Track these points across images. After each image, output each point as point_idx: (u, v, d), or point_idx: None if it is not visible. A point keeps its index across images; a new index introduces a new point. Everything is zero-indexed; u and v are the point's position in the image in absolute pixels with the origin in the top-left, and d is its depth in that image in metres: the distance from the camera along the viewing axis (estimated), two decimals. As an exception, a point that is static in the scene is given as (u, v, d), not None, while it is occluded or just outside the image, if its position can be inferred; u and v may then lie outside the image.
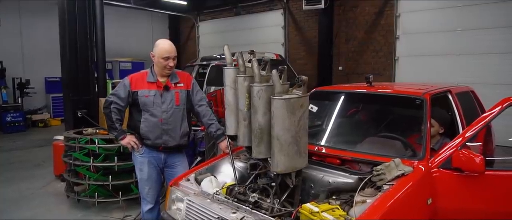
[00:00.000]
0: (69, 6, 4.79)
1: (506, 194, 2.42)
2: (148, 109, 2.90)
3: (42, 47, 11.03)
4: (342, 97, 3.43)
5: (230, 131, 2.67)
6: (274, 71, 2.29)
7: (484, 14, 7.20)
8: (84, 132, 4.36)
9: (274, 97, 2.22)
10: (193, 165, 4.30)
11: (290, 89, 2.38)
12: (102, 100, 5.06)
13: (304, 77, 2.31)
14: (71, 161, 4.15)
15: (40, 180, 5.35)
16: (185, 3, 12.25)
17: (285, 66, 2.43)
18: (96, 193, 4.13)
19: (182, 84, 3.04)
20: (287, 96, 2.24)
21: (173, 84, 2.98)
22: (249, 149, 2.58)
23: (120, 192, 4.12)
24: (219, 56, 9.08)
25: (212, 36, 13.27)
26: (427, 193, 2.33)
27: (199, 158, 4.33)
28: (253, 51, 2.65)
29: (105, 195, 4.19)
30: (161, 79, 2.97)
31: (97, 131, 4.45)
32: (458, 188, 2.39)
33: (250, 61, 2.65)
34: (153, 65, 3.00)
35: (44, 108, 11.03)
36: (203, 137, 4.30)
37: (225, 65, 2.67)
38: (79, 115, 4.95)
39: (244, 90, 2.47)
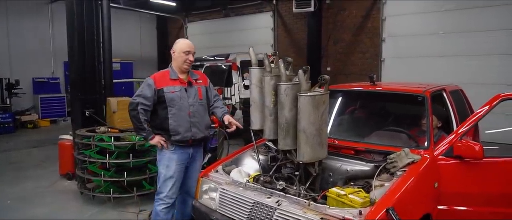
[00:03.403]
0: (77, 6, 4.88)
1: (501, 177, 2.77)
2: (175, 104, 3.02)
3: (30, 47, 10.95)
4: (348, 95, 3.75)
5: (255, 126, 2.91)
6: (300, 71, 2.57)
7: (466, 18, 7.68)
8: (97, 130, 4.50)
9: (301, 94, 2.50)
10: (205, 161, 4.50)
11: (311, 87, 2.66)
12: (110, 100, 5.21)
13: (326, 77, 2.60)
14: (86, 159, 4.28)
15: (45, 179, 5.39)
16: (173, 4, 12.32)
17: (309, 66, 2.71)
18: (111, 189, 4.28)
19: (201, 81, 3.25)
20: (312, 93, 2.52)
21: (194, 80, 3.18)
22: (274, 142, 2.85)
23: (134, 188, 4.28)
24: (212, 57, 9.27)
25: (201, 37, 13.37)
26: (434, 177, 2.67)
27: (209, 155, 4.52)
28: (276, 52, 2.91)
29: (119, 191, 4.35)
30: (181, 76, 3.12)
31: (109, 129, 4.59)
32: (459, 173, 2.73)
33: (272, 61, 2.94)
34: (171, 64, 3.16)
35: (32, 109, 10.89)
36: (214, 134, 4.51)
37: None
38: (87, 114, 5.05)
39: (271, 88, 2.73)
